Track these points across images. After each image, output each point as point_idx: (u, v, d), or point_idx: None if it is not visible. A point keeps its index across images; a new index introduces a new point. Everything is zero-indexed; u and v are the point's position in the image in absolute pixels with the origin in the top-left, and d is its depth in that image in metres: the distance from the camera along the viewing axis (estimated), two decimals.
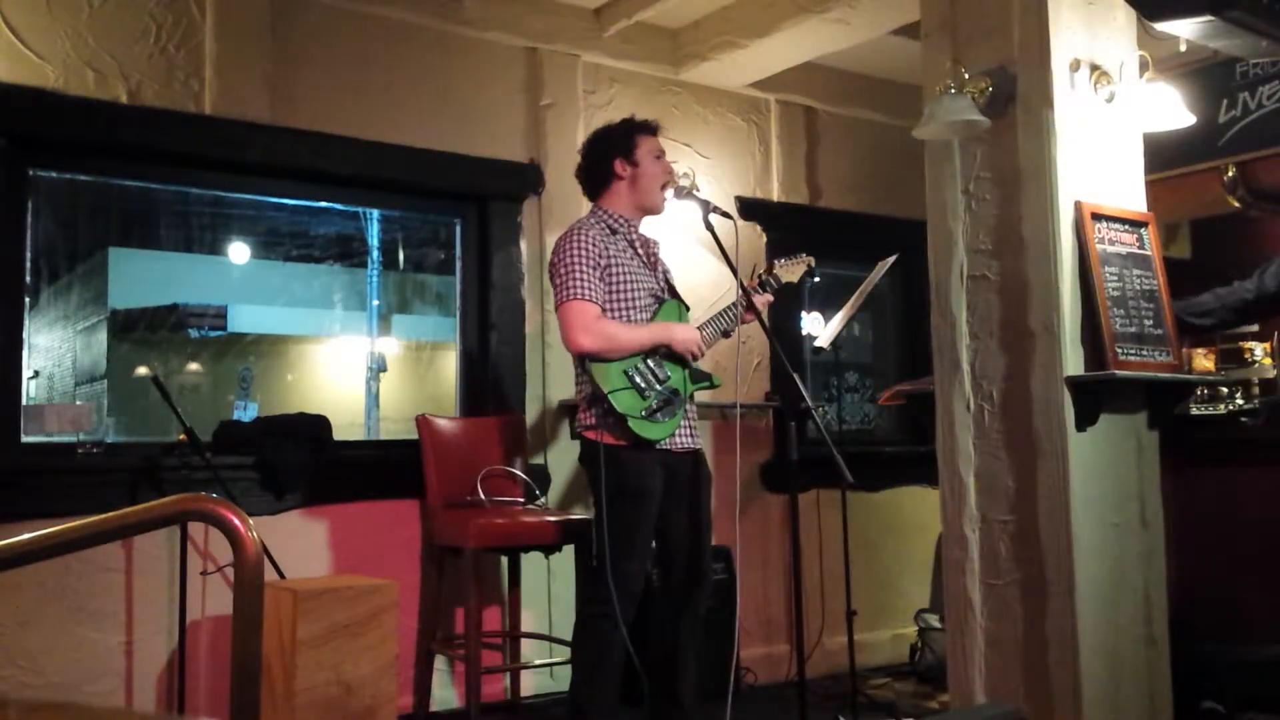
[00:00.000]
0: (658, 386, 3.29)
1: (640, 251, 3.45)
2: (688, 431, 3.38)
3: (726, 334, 3.57)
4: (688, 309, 3.53)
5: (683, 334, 3.35)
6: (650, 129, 3.51)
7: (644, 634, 3.38)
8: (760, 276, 3.60)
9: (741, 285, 3.36)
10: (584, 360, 3.27)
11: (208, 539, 3.78)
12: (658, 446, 3.27)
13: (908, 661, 5.07)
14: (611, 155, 3.44)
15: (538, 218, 4.61)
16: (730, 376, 4.62)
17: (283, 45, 4.12)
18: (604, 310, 3.29)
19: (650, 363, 3.31)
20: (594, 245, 3.31)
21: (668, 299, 3.47)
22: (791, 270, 3.63)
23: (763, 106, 5.33)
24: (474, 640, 3.81)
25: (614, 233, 3.41)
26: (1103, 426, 3.24)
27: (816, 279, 3.73)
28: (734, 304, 3.49)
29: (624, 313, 3.33)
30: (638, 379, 3.26)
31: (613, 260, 3.33)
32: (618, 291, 3.33)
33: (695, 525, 3.39)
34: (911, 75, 4.25)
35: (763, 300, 3.53)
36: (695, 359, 3.40)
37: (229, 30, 3.99)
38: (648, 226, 3.59)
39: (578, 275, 3.26)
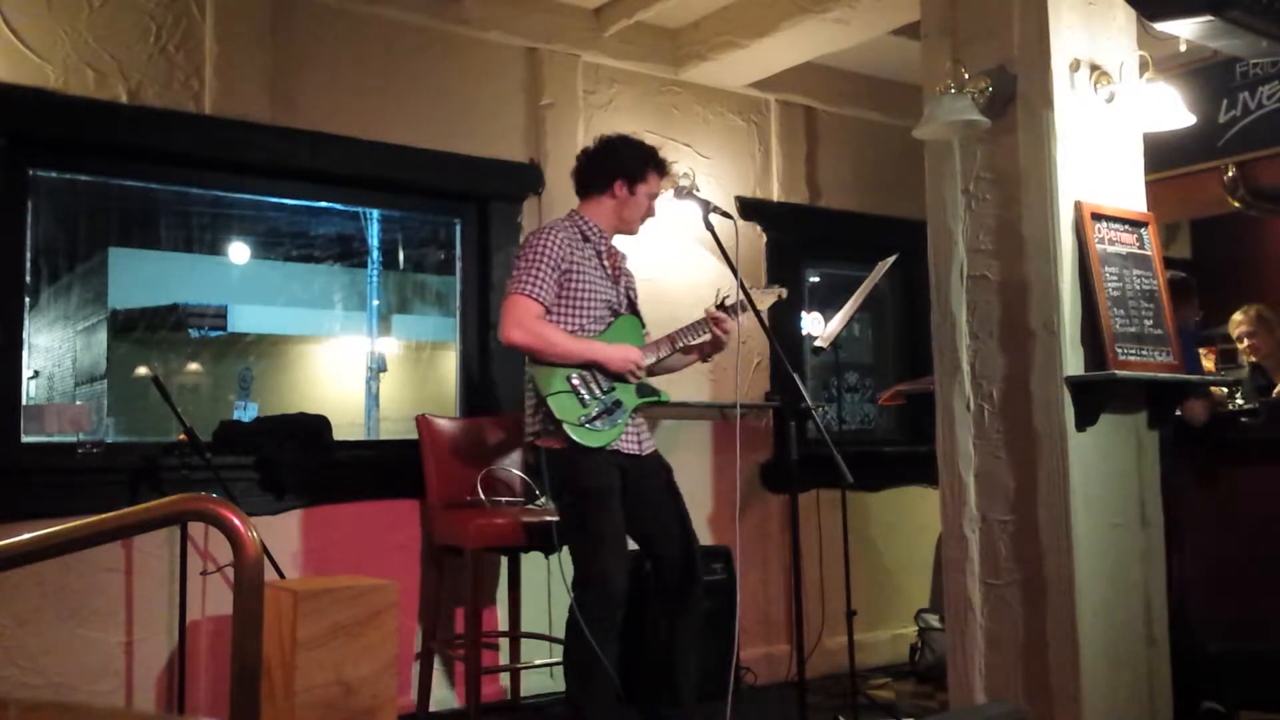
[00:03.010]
0: (599, 395, 3.30)
1: (606, 263, 3.47)
2: (635, 437, 3.39)
3: (702, 356, 3.58)
4: (644, 326, 3.55)
5: (620, 354, 3.34)
6: (664, 169, 3.52)
7: (638, 635, 3.37)
8: (726, 302, 3.55)
9: (741, 285, 3.37)
10: (527, 364, 3.30)
11: (208, 539, 3.78)
12: (608, 449, 3.28)
13: (908, 661, 5.07)
14: (618, 173, 3.44)
15: (538, 218, 4.60)
16: (730, 376, 4.62)
17: (283, 45, 4.12)
18: (551, 312, 3.31)
19: (596, 372, 3.33)
20: (560, 248, 3.33)
21: (624, 314, 3.49)
22: (761, 299, 3.61)
23: (763, 106, 5.32)
24: (474, 640, 3.81)
25: (585, 240, 3.43)
26: (1103, 426, 3.24)
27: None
28: (697, 322, 3.50)
29: (577, 320, 3.34)
30: (579, 386, 3.28)
31: (575, 266, 3.35)
32: (574, 299, 3.35)
33: (681, 523, 3.41)
34: (911, 75, 4.25)
35: (729, 324, 3.48)
36: (634, 379, 3.39)
37: (229, 30, 3.99)
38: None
39: (533, 272, 3.28)
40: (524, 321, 3.24)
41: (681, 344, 3.51)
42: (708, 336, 3.50)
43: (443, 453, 4.11)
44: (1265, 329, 4.92)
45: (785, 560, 5.01)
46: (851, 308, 4.15)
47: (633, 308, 3.54)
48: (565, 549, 3.80)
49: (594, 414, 3.26)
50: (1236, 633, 4.05)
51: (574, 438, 3.21)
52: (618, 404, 3.33)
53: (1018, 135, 3.33)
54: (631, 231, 3.54)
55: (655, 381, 3.54)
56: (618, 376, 3.35)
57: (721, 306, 3.53)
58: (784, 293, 3.75)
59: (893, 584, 5.36)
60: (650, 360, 3.46)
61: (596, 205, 3.47)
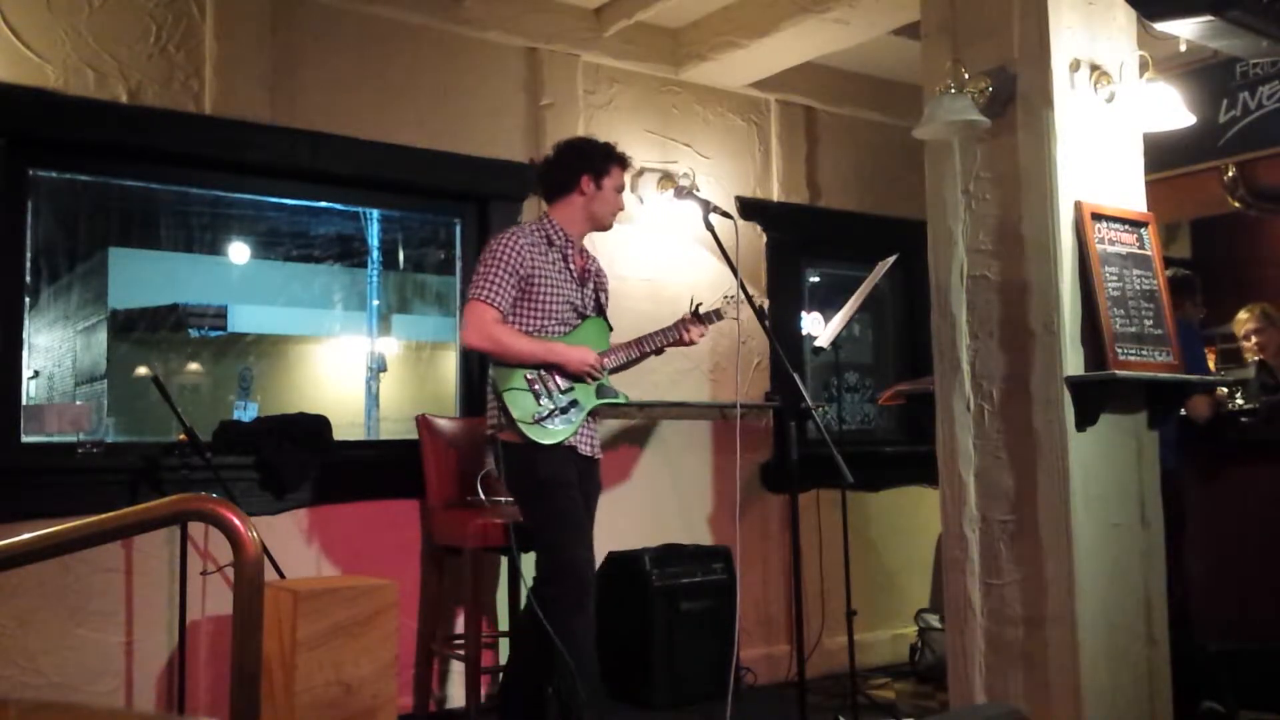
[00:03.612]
0: (556, 394, 3.34)
1: (572, 266, 3.49)
2: (590, 440, 3.42)
3: (660, 352, 3.62)
4: (610, 328, 3.57)
5: (578, 356, 3.38)
6: (625, 163, 3.58)
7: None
8: (700, 310, 3.62)
9: (741, 285, 3.38)
10: (487, 363, 3.35)
11: (208, 539, 3.78)
12: (564, 444, 3.30)
13: (908, 661, 5.07)
14: (582, 170, 3.50)
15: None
16: (730, 376, 4.62)
17: (283, 45, 4.12)
18: (509, 317, 3.35)
19: (555, 372, 3.36)
20: (520, 253, 3.37)
21: (591, 316, 3.51)
22: (726, 308, 3.68)
23: (763, 106, 5.32)
24: (474, 640, 3.81)
25: (550, 245, 3.46)
26: (1103, 426, 3.24)
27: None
28: (672, 326, 3.57)
29: (539, 322, 3.38)
30: (536, 384, 3.32)
31: (536, 271, 3.38)
32: (537, 302, 3.38)
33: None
34: (911, 75, 4.25)
35: (699, 331, 3.59)
36: (591, 381, 3.42)
37: (229, 30, 3.99)
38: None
39: (490, 278, 3.33)
40: (481, 326, 3.31)
41: (649, 348, 3.56)
42: (670, 340, 3.56)
43: (443, 453, 4.11)
44: (1271, 326, 4.91)
45: (785, 560, 5.01)
46: (851, 308, 4.15)
47: (600, 310, 3.56)
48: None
49: (546, 412, 3.30)
50: (1236, 633, 4.05)
51: (527, 434, 3.25)
52: (574, 404, 3.36)
53: (1018, 135, 3.32)
54: (605, 227, 3.59)
55: (618, 381, 3.56)
56: (576, 377, 3.38)
57: (696, 314, 3.58)
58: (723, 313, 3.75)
59: (893, 584, 5.36)
60: (615, 363, 3.50)
61: (565, 207, 3.51)
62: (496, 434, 3.35)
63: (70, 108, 3.71)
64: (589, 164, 3.50)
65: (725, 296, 3.62)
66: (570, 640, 3.16)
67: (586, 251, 3.60)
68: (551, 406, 3.31)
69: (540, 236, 3.46)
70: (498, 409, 3.33)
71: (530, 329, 3.37)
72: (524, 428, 3.24)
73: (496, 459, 3.37)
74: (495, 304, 3.32)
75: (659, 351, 3.63)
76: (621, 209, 3.62)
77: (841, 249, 5.55)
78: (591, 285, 3.57)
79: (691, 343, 3.58)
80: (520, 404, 3.28)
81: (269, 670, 3.34)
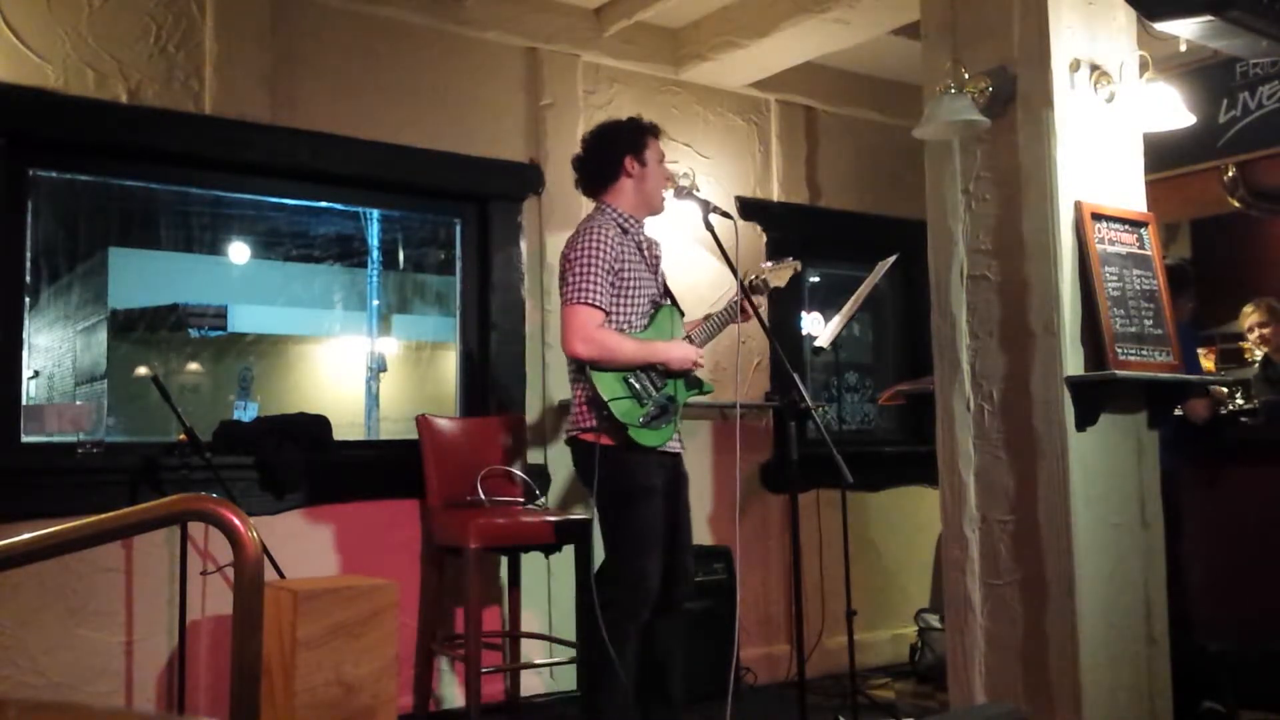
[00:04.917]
0: (654, 394, 3.29)
1: (645, 254, 3.44)
2: (677, 436, 3.39)
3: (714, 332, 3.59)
4: (683, 314, 3.52)
5: (680, 353, 3.34)
6: (657, 132, 3.50)
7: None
8: (752, 281, 3.57)
9: (742, 285, 3.37)
10: (582, 365, 3.26)
11: (208, 539, 3.78)
12: (657, 449, 3.27)
13: (908, 661, 5.07)
14: (622, 152, 3.40)
15: (538, 218, 4.61)
16: (730, 376, 4.62)
17: (283, 45, 4.12)
18: (608, 314, 3.27)
19: (650, 370, 3.31)
20: (611, 248, 3.28)
21: (665, 304, 3.46)
22: (779, 274, 3.64)
23: (763, 106, 5.32)
24: (474, 640, 3.80)
25: (625, 233, 3.38)
26: (1103, 426, 3.24)
27: (812, 279, 3.75)
28: (728, 307, 3.50)
29: (625, 317, 3.32)
30: (636, 387, 3.26)
31: (625, 264, 3.32)
32: (625, 296, 3.32)
33: (677, 525, 3.40)
34: (911, 75, 4.25)
35: (755, 303, 3.53)
36: (695, 369, 3.40)
37: (229, 30, 3.99)
38: (646, 230, 3.60)
39: (590, 277, 3.23)
40: (586, 332, 3.21)
41: (719, 327, 3.50)
42: (733, 317, 3.50)
43: (443, 453, 4.11)
44: (1276, 320, 4.90)
45: (785, 560, 5.01)
46: (851, 308, 4.15)
47: (670, 296, 3.51)
48: (567, 546, 3.79)
49: (653, 413, 3.24)
50: (1236, 633, 4.05)
51: (635, 439, 3.20)
52: (671, 400, 3.32)
53: (1018, 135, 3.33)
54: (657, 208, 3.48)
55: None
56: (671, 372, 3.34)
57: (753, 285, 3.53)
58: (798, 265, 3.72)
59: (893, 584, 5.36)
60: (700, 343, 3.46)
61: (616, 193, 3.41)
62: (580, 435, 3.29)
63: (70, 108, 3.71)
64: (626, 144, 3.41)
65: (774, 263, 3.59)
66: (621, 644, 3.15)
67: (650, 239, 3.51)
68: (655, 407, 3.26)
69: (615, 228, 3.35)
70: (594, 412, 3.24)
71: (616, 326, 3.29)
72: (632, 433, 3.19)
73: (579, 460, 3.32)
74: (598, 304, 3.22)
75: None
76: (670, 177, 3.51)
77: (841, 249, 5.55)
78: (659, 271, 3.50)
79: (749, 318, 3.46)
80: (626, 410, 3.21)
81: (269, 670, 3.34)
